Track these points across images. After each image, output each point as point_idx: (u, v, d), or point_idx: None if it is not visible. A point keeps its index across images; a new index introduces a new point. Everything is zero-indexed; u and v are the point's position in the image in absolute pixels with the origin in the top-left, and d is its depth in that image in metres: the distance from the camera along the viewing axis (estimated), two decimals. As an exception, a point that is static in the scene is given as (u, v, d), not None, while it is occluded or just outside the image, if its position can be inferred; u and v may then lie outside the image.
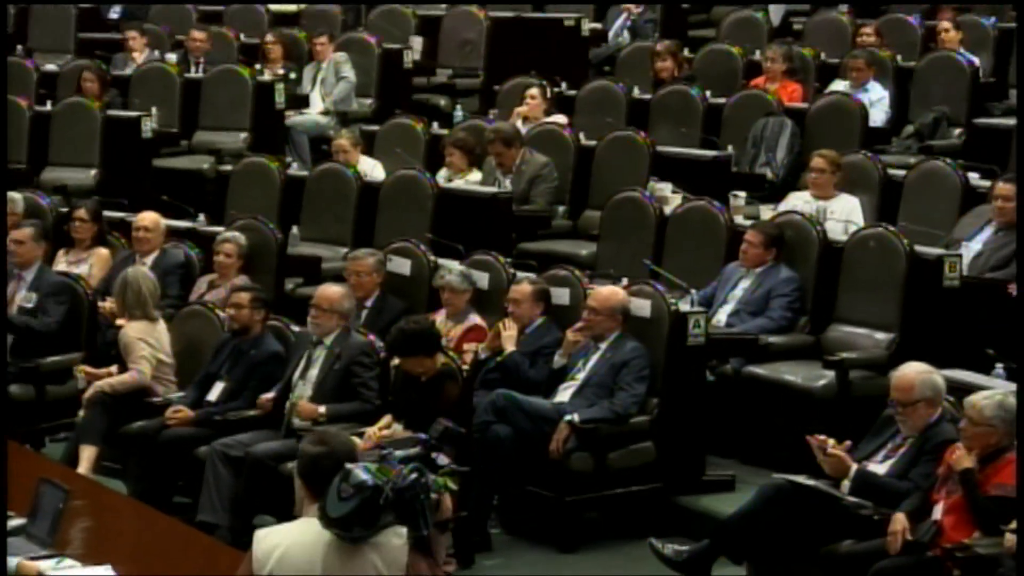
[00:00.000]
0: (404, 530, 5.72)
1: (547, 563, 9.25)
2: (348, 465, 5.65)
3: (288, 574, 5.69)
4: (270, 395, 9.51)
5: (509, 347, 9.68)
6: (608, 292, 9.64)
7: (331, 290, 9.76)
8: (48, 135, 14.12)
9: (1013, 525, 7.28)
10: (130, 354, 10.01)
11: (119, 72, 15.45)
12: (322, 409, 9.28)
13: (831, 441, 8.06)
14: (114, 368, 10.15)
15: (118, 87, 15.04)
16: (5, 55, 14.86)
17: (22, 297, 10.71)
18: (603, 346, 9.51)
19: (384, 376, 9.43)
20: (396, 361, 9.34)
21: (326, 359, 9.50)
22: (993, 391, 7.77)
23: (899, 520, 7.58)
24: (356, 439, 7.83)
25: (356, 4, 17.56)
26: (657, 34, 15.96)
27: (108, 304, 10.83)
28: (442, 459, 6.11)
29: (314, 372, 9.48)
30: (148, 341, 10.02)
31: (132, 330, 10.08)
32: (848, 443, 8.12)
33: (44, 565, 6.82)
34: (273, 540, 5.80)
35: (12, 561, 6.83)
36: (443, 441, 7.05)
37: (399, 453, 5.88)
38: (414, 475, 5.74)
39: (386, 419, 9.10)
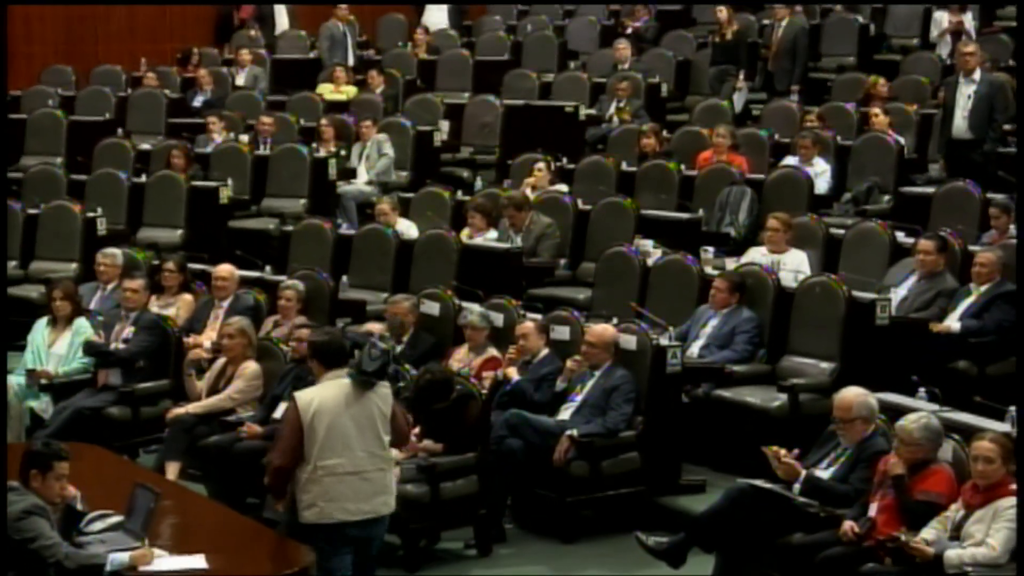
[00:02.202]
0: (388, 384, 7.35)
1: (551, 553, 9.22)
2: (371, 339, 7.48)
3: (324, 409, 7.16)
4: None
5: (512, 374, 9.67)
6: (601, 329, 9.63)
7: (373, 327, 9.79)
8: (143, 201, 14.14)
9: (933, 522, 7.36)
10: (238, 383, 9.93)
11: (201, 150, 15.46)
12: None
13: (783, 451, 8.06)
14: (202, 386, 10.10)
15: (200, 162, 15.05)
16: (4, 58, 14.80)
17: (126, 333, 10.69)
18: (597, 374, 9.49)
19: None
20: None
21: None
22: (919, 414, 7.76)
23: (847, 525, 7.58)
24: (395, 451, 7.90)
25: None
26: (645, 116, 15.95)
27: (192, 340, 10.81)
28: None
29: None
30: (258, 384, 9.95)
31: (251, 371, 9.96)
32: (797, 451, 8.11)
33: None
34: (309, 395, 7.29)
35: (125, 555, 6.88)
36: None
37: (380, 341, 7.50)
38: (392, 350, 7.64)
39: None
